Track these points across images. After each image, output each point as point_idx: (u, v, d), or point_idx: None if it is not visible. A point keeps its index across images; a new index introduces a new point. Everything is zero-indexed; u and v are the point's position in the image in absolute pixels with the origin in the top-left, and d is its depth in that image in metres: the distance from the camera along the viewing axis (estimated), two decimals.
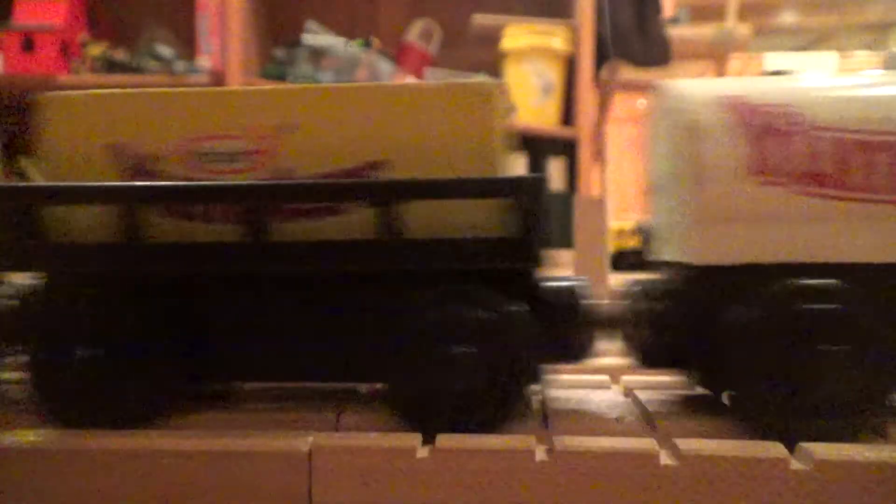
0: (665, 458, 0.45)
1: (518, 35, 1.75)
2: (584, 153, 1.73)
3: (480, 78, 1.75)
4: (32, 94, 0.55)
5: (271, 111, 0.53)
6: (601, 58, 1.79)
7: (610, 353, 0.60)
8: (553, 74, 1.75)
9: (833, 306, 0.49)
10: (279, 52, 1.81)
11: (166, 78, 1.69)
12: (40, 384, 0.52)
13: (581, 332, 0.54)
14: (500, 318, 0.50)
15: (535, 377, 0.52)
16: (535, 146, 1.68)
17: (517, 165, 1.59)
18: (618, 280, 0.61)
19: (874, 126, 0.50)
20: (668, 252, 0.57)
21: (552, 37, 1.74)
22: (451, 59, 1.90)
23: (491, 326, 0.50)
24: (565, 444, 0.46)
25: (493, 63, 1.79)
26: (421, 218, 0.51)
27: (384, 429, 0.50)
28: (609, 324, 0.55)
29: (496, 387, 0.50)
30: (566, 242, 0.96)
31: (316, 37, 1.79)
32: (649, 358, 0.55)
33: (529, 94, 1.73)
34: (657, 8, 1.83)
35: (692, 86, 0.54)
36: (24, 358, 0.53)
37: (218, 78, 1.69)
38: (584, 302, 0.54)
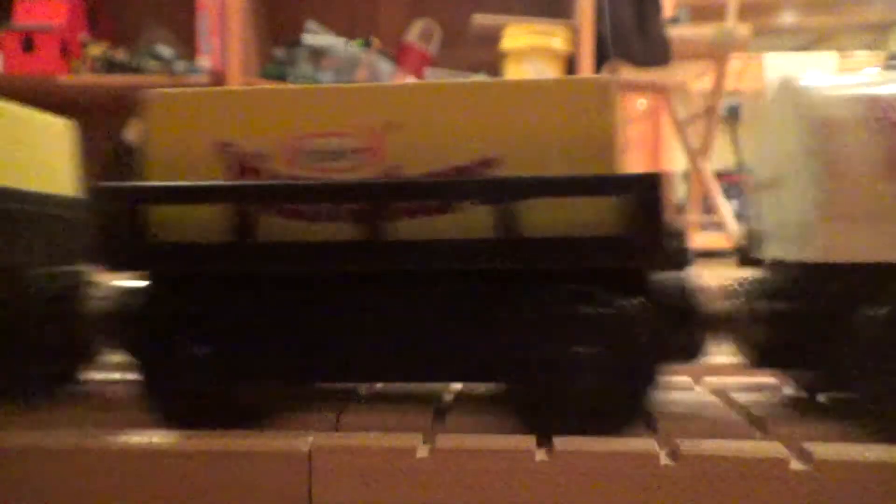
0: (665, 458, 0.45)
1: (518, 35, 1.75)
2: None
3: (479, 77, 1.75)
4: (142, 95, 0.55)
5: (379, 108, 0.52)
6: (601, 58, 1.79)
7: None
8: (553, 74, 1.75)
9: None
10: (279, 52, 1.81)
11: (166, 78, 1.69)
12: (152, 385, 0.52)
13: (695, 331, 0.53)
14: (626, 318, 0.49)
15: (657, 379, 0.50)
16: None
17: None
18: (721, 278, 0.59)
19: None
20: (782, 250, 0.56)
21: (552, 37, 1.75)
22: (451, 59, 1.90)
23: (617, 326, 0.49)
24: (565, 444, 0.46)
25: (493, 63, 1.80)
26: (535, 216, 0.49)
27: (384, 429, 0.50)
28: (723, 323, 0.54)
29: (623, 389, 0.49)
30: None
31: (316, 37, 1.79)
32: (765, 358, 0.54)
33: None
34: (657, 8, 1.83)
35: (823, 81, 0.52)
36: (130, 358, 0.53)
37: (218, 78, 1.69)
38: (698, 301, 0.53)
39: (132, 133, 1.71)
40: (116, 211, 0.52)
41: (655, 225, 0.49)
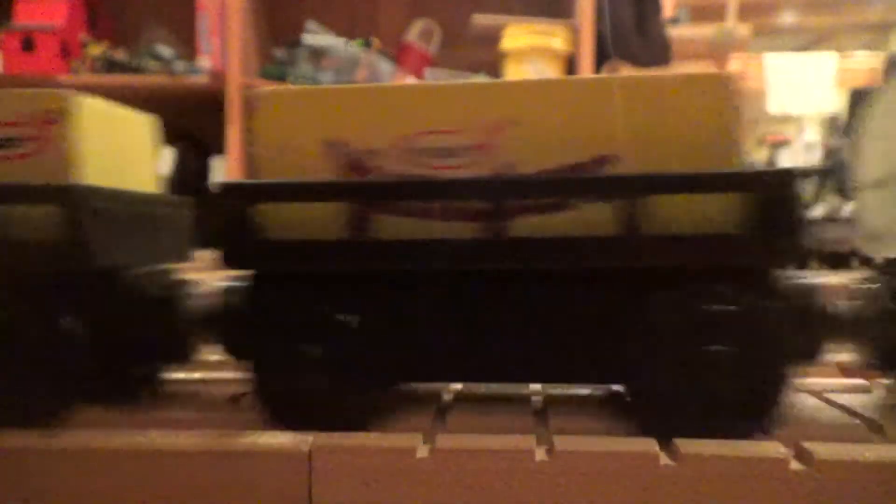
0: (665, 458, 0.45)
1: (518, 35, 1.75)
2: None
3: (480, 77, 1.75)
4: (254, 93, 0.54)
5: (492, 105, 0.51)
6: (601, 58, 1.79)
7: None
8: (553, 74, 1.75)
9: None
10: (279, 52, 1.81)
11: (166, 78, 1.69)
12: (265, 386, 0.51)
13: (822, 332, 0.52)
14: (759, 318, 0.48)
15: (789, 380, 0.49)
16: None
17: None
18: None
19: None
20: None
21: (552, 37, 1.75)
22: (451, 59, 1.90)
23: (750, 326, 0.48)
24: (565, 444, 0.46)
25: (493, 63, 1.80)
26: (658, 213, 0.49)
27: (384, 429, 0.50)
28: (847, 324, 0.52)
29: (757, 391, 0.48)
30: None
31: (316, 37, 1.79)
32: (888, 360, 0.53)
33: None
34: (657, 8, 1.83)
35: None
36: (232, 358, 0.53)
37: (218, 78, 1.69)
38: (823, 301, 0.52)
39: None
40: (231, 208, 0.51)
41: (788, 222, 0.48)
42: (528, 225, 0.50)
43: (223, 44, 1.72)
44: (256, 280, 0.54)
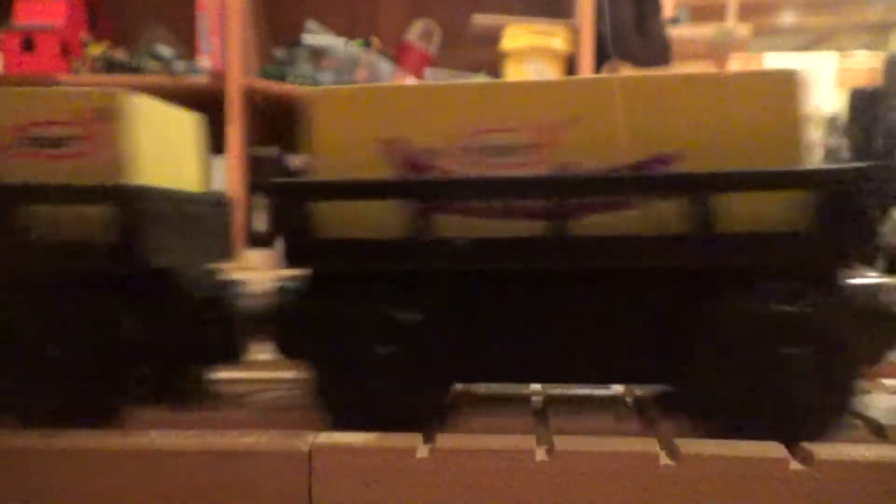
0: (665, 459, 0.45)
1: (518, 35, 1.75)
2: None
3: (480, 77, 1.75)
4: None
5: (553, 103, 0.51)
6: (601, 58, 1.79)
7: None
8: (553, 74, 1.75)
9: None
10: (279, 52, 1.81)
11: (166, 78, 1.69)
12: (324, 387, 0.51)
13: (888, 332, 0.51)
14: (830, 318, 0.48)
15: (860, 381, 0.49)
16: None
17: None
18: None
19: None
20: None
21: (552, 37, 1.74)
22: (451, 59, 1.90)
23: (821, 327, 0.48)
24: (565, 444, 0.46)
25: (493, 63, 1.79)
26: (724, 211, 0.48)
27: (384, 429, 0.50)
28: None
29: (830, 393, 0.48)
30: None
31: (316, 37, 1.79)
32: None
33: None
34: (657, 8, 1.83)
35: None
36: (285, 358, 0.53)
37: (218, 78, 1.69)
38: (887, 302, 0.51)
39: None
40: (285, 206, 0.51)
41: (857, 220, 0.47)
42: (591, 224, 0.49)
43: (223, 44, 1.72)
44: (314, 279, 0.53)
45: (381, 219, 0.51)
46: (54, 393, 0.52)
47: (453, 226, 0.50)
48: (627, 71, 1.81)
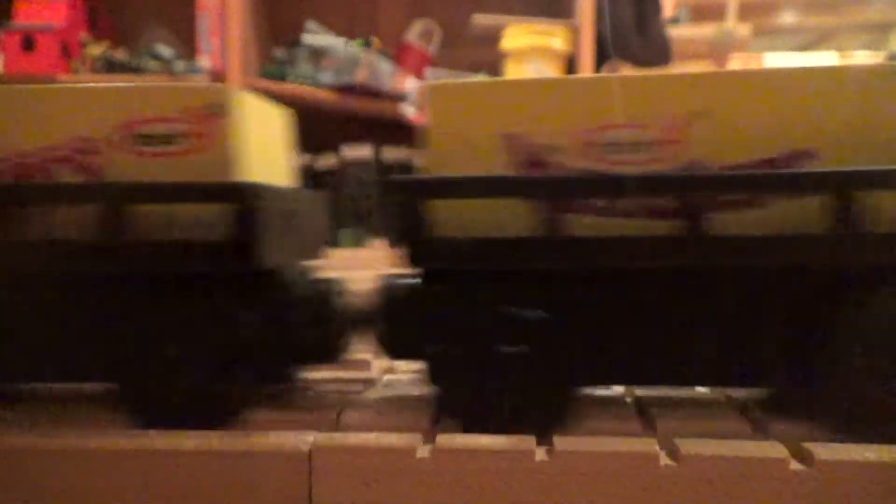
0: (665, 459, 0.45)
1: (518, 35, 1.75)
2: None
3: (480, 77, 1.75)
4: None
5: (681, 98, 0.49)
6: (601, 58, 1.79)
7: None
8: (553, 74, 1.75)
9: None
10: (279, 52, 1.81)
11: (166, 78, 1.69)
12: (447, 387, 0.51)
13: None
14: None
15: None
16: None
17: None
18: None
19: None
20: None
21: (552, 37, 1.74)
22: (451, 59, 1.90)
23: None
24: (565, 444, 0.46)
25: (493, 63, 1.79)
26: (868, 210, 0.47)
27: (384, 429, 0.50)
28: None
29: None
30: None
31: (316, 37, 1.79)
32: None
33: None
34: (657, 8, 1.83)
35: None
36: (394, 357, 0.53)
37: (218, 78, 1.69)
38: None
39: None
40: (402, 204, 0.50)
41: None
42: (721, 222, 0.48)
43: (223, 44, 1.72)
44: (429, 278, 0.52)
45: (500, 216, 0.49)
46: (175, 394, 0.51)
47: (579, 225, 0.49)
48: (629, 71, 1.81)
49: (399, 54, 1.87)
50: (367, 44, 1.82)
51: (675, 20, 2.03)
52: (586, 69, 1.75)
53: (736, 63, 2.16)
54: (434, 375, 0.51)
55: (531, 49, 1.74)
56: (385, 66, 1.78)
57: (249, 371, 0.53)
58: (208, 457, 0.47)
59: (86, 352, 0.53)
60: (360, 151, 1.72)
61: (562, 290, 0.50)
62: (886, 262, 0.47)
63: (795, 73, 0.50)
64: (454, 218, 0.50)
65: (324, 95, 1.69)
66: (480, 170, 0.51)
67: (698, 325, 0.50)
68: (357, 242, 1.55)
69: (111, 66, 1.73)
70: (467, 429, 0.49)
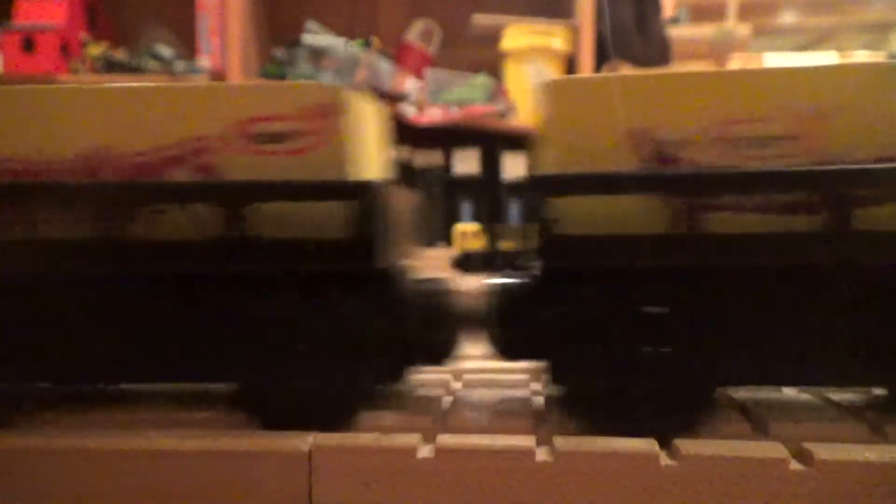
0: (665, 459, 0.45)
1: (518, 35, 1.75)
2: None
3: (481, 78, 1.75)
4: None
5: (814, 91, 0.48)
6: (601, 58, 1.79)
7: None
8: (553, 74, 1.76)
9: None
10: (279, 52, 1.81)
11: (166, 78, 1.69)
12: (575, 387, 0.50)
13: None
14: None
15: None
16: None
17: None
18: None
19: None
20: None
21: (552, 37, 1.75)
22: (451, 59, 1.90)
23: None
24: (565, 444, 0.46)
25: (493, 63, 1.80)
26: None
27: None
28: None
29: None
30: None
31: (316, 37, 1.79)
32: None
33: (529, 94, 1.74)
34: (657, 8, 1.83)
35: None
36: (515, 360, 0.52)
37: (218, 78, 1.69)
38: None
39: None
40: (533, 201, 0.49)
41: None
42: (863, 217, 0.47)
43: (223, 44, 1.72)
44: (549, 278, 0.51)
45: (625, 213, 0.49)
46: (296, 394, 0.51)
47: (714, 222, 0.48)
48: (628, 71, 1.81)
49: (399, 54, 1.87)
50: (367, 44, 1.82)
51: (675, 20, 2.03)
52: (586, 69, 1.75)
53: (736, 63, 2.17)
54: (557, 376, 0.50)
55: (531, 49, 1.74)
56: (385, 66, 1.79)
57: (369, 371, 0.52)
58: (208, 457, 0.47)
59: (205, 352, 0.52)
60: None
61: (693, 287, 0.49)
62: None
63: None
64: (578, 215, 0.49)
65: None
66: (604, 166, 0.50)
67: (838, 323, 0.49)
68: None
69: (111, 66, 1.74)
70: (593, 430, 0.49)
